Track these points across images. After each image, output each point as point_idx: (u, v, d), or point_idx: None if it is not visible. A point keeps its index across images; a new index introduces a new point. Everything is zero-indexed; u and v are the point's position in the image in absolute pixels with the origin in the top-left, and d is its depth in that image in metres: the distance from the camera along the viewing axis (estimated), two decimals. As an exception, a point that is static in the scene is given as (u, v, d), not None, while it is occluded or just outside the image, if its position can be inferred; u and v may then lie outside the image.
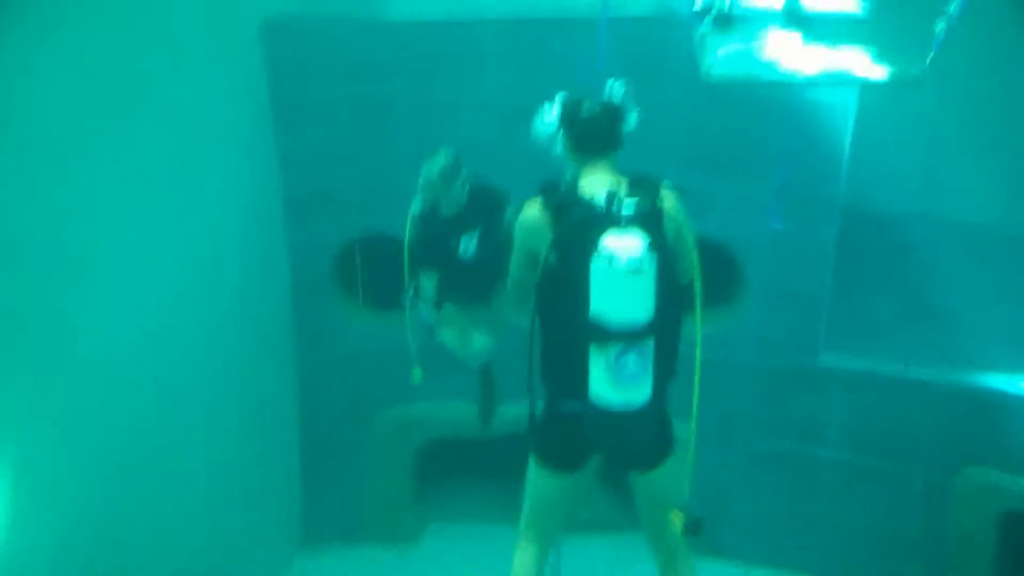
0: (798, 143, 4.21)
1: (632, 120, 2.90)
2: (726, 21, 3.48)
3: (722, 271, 5.07)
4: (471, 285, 4.25)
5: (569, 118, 2.88)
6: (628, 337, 2.56)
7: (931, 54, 3.49)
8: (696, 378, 2.77)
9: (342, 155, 5.14)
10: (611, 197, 2.67)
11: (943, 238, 5.07)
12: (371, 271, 5.14)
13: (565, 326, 2.73)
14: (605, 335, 2.57)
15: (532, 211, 2.86)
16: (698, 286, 2.76)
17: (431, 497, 6.28)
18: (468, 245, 4.18)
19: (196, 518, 4.29)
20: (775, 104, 4.63)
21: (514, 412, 5.61)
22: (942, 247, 5.07)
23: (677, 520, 2.79)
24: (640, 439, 2.74)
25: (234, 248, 4.80)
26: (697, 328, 2.73)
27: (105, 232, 3.35)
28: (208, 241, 4.43)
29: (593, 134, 2.87)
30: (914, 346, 5.21)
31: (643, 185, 2.78)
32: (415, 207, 4.19)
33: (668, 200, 2.79)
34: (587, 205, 2.74)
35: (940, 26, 3.36)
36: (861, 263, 5.28)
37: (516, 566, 3.06)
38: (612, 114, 2.87)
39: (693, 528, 2.77)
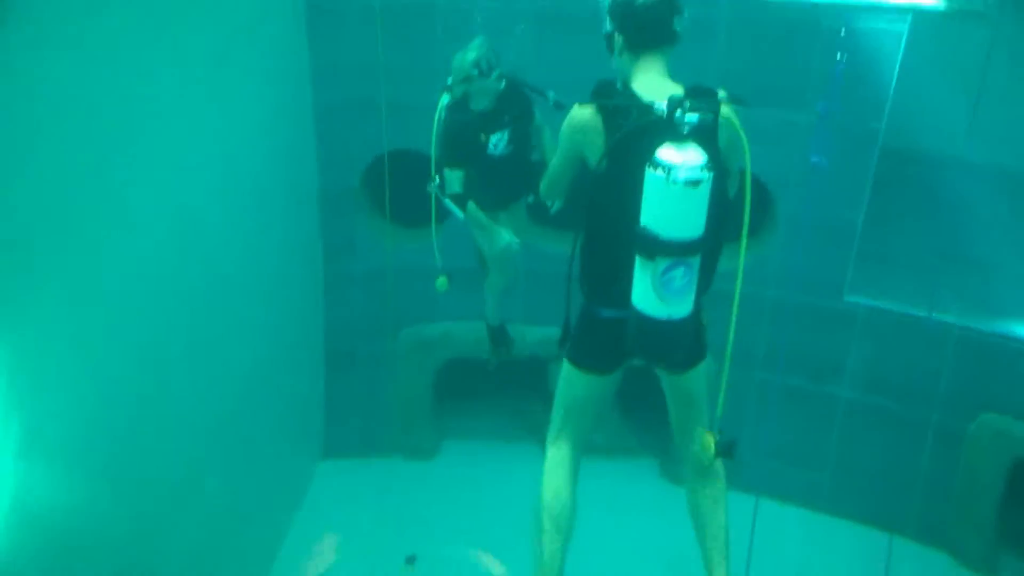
0: (844, 73, 4.08)
1: (685, 16, 2.80)
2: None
3: (753, 202, 5.00)
4: (497, 185, 4.13)
5: (625, 7, 2.78)
6: (678, 253, 2.52)
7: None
8: (736, 295, 2.72)
9: (375, 65, 5.02)
10: (674, 105, 2.56)
11: (980, 184, 4.94)
12: (400, 187, 5.10)
13: (611, 235, 2.70)
14: (654, 249, 2.52)
15: (584, 113, 2.78)
16: (748, 199, 2.67)
17: (448, 415, 6.39)
18: (498, 142, 4.04)
19: (224, 425, 4.35)
20: (823, 30, 4.48)
21: (535, 334, 5.76)
22: (978, 193, 4.95)
23: (710, 441, 2.81)
24: (677, 348, 2.72)
25: (263, 153, 4.74)
26: (742, 244, 2.66)
27: (132, 130, 3.31)
28: (238, 144, 4.36)
29: (650, 23, 2.77)
30: (941, 290, 5.15)
31: (702, 95, 2.66)
32: (445, 98, 4.04)
33: (725, 112, 2.68)
34: (646, 111, 2.64)
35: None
36: (894, 202, 5.19)
37: (551, 468, 3.07)
38: (668, 4, 2.78)
39: (726, 450, 2.79)
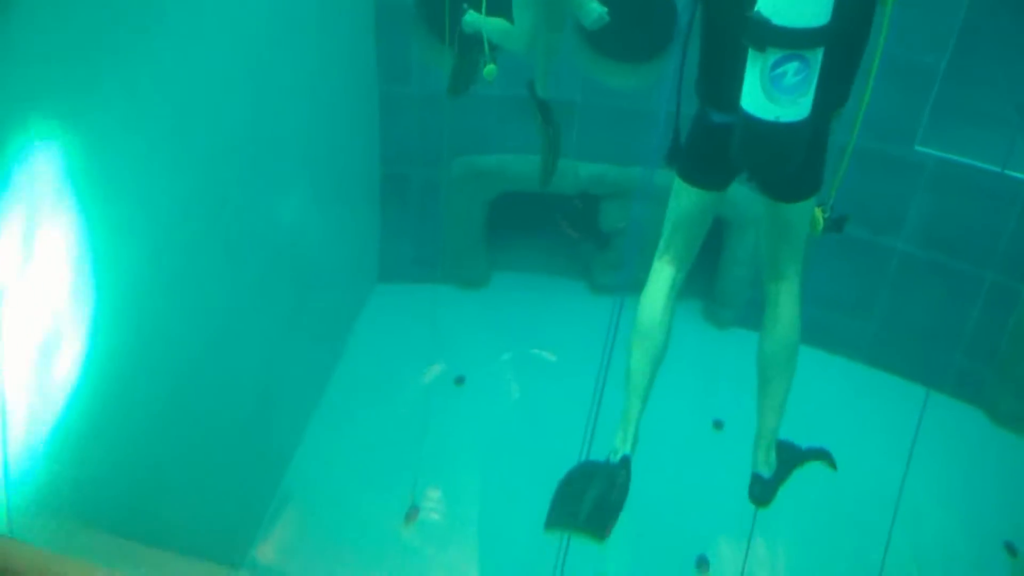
0: None
1: None
2: None
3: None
4: None
5: None
6: (791, 43, 2.22)
7: None
8: (870, 80, 2.46)
9: None
10: None
11: None
12: (458, 6, 4.92)
13: (725, 24, 2.41)
14: (765, 37, 2.22)
15: None
16: None
17: (500, 247, 6.48)
18: None
19: (281, 243, 4.46)
20: None
21: (587, 170, 5.71)
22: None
23: (819, 217, 2.66)
24: (783, 158, 2.41)
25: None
26: (882, 33, 2.38)
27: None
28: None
29: None
30: (1018, 145, 4.95)
31: None
32: None
33: None
34: None
35: None
36: (982, 46, 4.84)
37: (651, 283, 2.94)
38: None
39: (836, 225, 2.67)
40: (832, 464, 3.16)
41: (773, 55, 2.25)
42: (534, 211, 6.42)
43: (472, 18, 4.08)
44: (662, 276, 2.94)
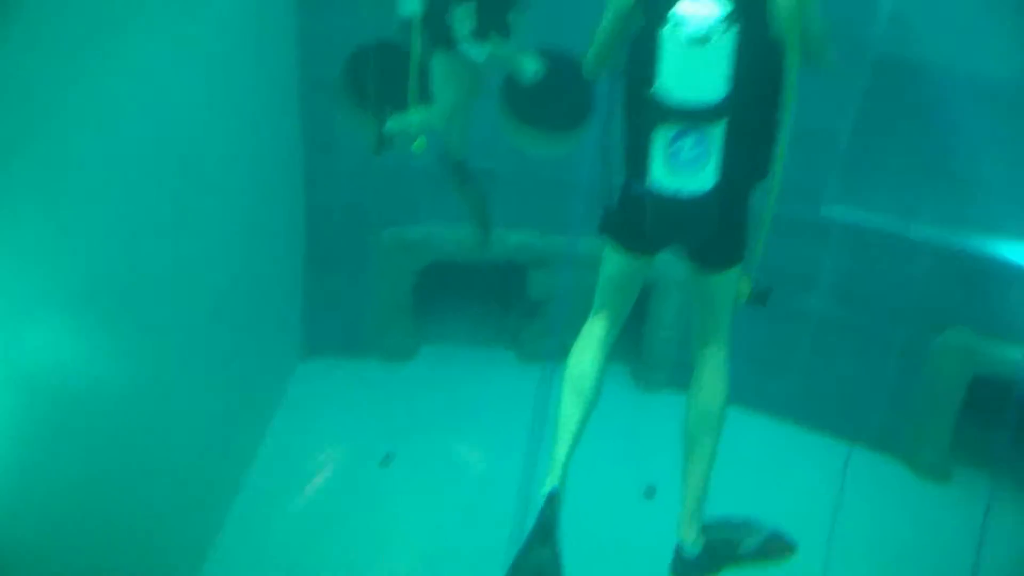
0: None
1: None
2: None
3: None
4: None
5: None
6: (687, 118, 2.33)
7: None
8: (780, 149, 2.55)
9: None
10: None
11: (971, 95, 4.79)
12: (385, 82, 4.97)
13: (637, 100, 2.49)
14: (663, 113, 2.33)
15: None
16: (793, 62, 2.45)
17: (427, 318, 6.41)
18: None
19: (202, 321, 4.36)
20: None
21: (515, 239, 5.74)
22: (968, 105, 4.81)
23: (745, 287, 2.71)
24: (694, 232, 2.52)
25: (238, 41, 4.60)
26: (788, 104, 2.48)
27: (111, 21, 3.21)
28: (211, 29, 4.22)
29: None
30: (920, 204, 5.14)
31: None
32: None
33: None
34: None
35: None
36: (880, 113, 5.08)
37: (582, 338, 2.97)
38: None
39: (761, 298, 2.71)
40: (788, 551, 3.09)
41: (670, 131, 2.35)
42: (461, 281, 6.43)
43: (393, 123, 4.30)
44: (593, 332, 2.97)
